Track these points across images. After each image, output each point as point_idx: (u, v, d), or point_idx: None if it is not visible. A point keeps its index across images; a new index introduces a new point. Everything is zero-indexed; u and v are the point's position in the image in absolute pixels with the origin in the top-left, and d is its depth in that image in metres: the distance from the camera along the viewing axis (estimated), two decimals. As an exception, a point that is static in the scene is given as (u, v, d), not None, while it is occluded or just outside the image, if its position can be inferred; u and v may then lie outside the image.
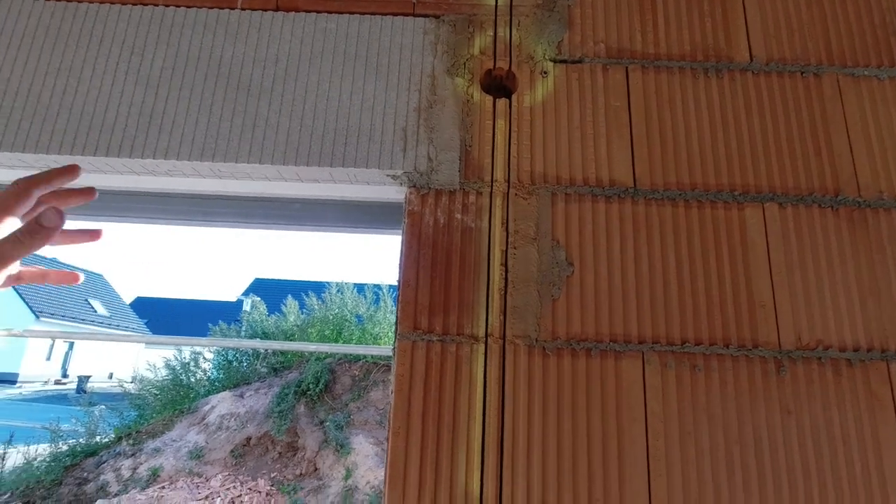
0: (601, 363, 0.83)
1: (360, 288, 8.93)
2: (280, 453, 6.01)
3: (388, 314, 8.36)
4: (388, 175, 0.94)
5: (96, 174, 1.00)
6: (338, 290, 8.46)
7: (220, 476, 5.60)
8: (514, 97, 0.96)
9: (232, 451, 5.98)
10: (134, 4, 1.01)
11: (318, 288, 8.81)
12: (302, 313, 8.69)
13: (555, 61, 0.99)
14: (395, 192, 0.99)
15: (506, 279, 0.86)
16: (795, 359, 0.83)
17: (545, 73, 0.98)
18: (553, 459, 0.79)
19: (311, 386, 6.55)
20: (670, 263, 0.87)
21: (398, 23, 1.00)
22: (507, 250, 0.88)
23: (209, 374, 7.89)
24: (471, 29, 1.00)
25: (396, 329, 0.86)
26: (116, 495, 5.49)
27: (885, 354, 0.84)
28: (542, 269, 0.87)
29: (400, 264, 0.88)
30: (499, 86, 1.00)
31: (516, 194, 0.91)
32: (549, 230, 0.89)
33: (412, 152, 0.93)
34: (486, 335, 0.84)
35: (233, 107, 0.95)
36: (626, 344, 0.84)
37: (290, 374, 6.89)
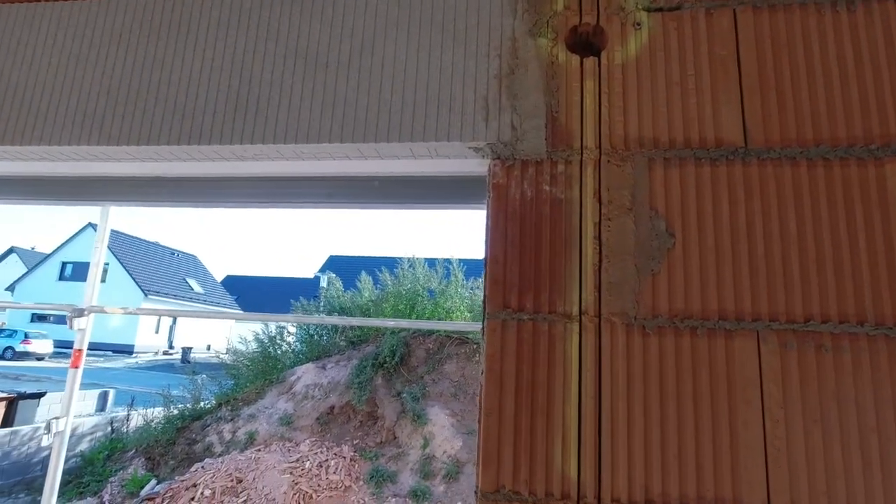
0: (709, 343, 0.76)
1: (430, 263, 9.04)
2: (361, 422, 6.32)
3: (458, 288, 8.43)
4: (470, 147, 0.90)
5: (190, 162, 1.04)
6: (409, 266, 8.61)
7: (308, 441, 5.99)
8: (603, 55, 0.88)
9: (318, 418, 6.37)
10: (214, -9, 1.03)
11: (391, 263, 9.03)
12: (376, 288, 8.96)
13: (649, 10, 0.89)
14: (477, 165, 0.95)
15: (600, 253, 0.80)
16: (950, 338, 0.71)
17: (638, 24, 0.88)
18: (656, 445, 0.74)
19: (387, 359, 6.78)
20: (790, 231, 0.77)
21: (474, -16, 0.95)
22: (600, 222, 0.81)
23: (293, 346, 8.40)
24: (553, -17, 0.93)
25: (484, 307, 0.83)
26: (220, 455, 6.05)
27: None
28: (640, 242, 0.80)
29: (486, 240, 0.85)
30: (586, 43, 0.92)
31: (609, 161, 0.84)
32: (647, 199, 0.81)
33: (495, 122, 0.88)
34: (581, 313, 0.79)
35: (312, 85, 0.95)
36: (738, 322, 0.76)
37: (367, 348, 7.18)
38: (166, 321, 26.47)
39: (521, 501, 0.75)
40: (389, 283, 8.72)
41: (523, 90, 0.88)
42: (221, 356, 9.83)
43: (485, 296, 0.83)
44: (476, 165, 0.95)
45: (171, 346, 26.76)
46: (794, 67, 0.83)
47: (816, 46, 0.83)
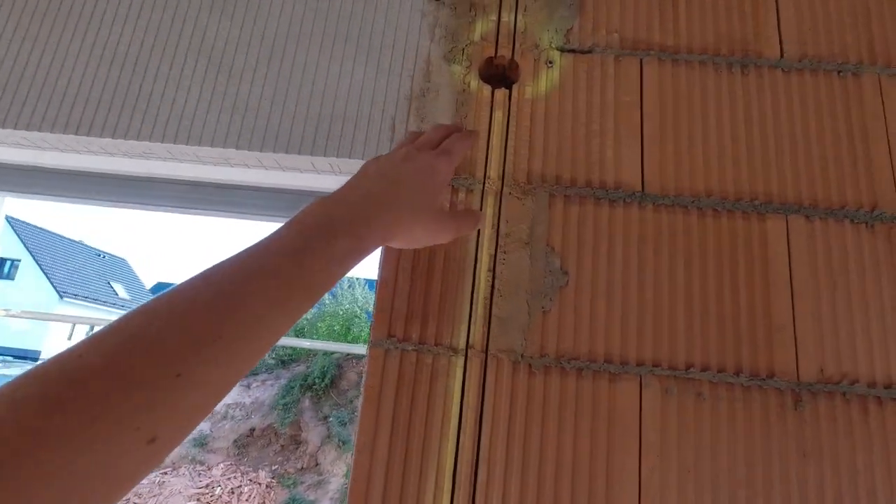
0: (593, 384, 0.74)
1: (371, 284, 8.90)
2: (282, 446, 6.01)
3: (399, 312, 8.31)
4: (373, 167, 0.87)
5: (70, 153, 0.95)
6: (349, 286, 8.44)
7: (221, 465, 5.61)
8: (514, 88, 0.88)
9: (235, 440, 6.00)
10: (117, -24, 0.96)
11: (331, 282, 8.81)
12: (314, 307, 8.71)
13: (562, 50, 0.90)
14: (381, 186, 0.92)
15: (492, 286, 0.78)
16: (816, 392, 0.73)
17: (550, 62, 0.89)
18: (533, 487, 0.71)
19: (317, 380, 6.54)
20: (678, 277, 0.78)
21: (395, 4, 0.93)
22: (496, 255, 0.80)
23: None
24: (472, 12, 0.92)
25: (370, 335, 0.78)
26: (121, 478, 5.52)
27: (920, 394, 0.73)
28: (534, 278, 0.78)
29: (379, 264, 0.81)
30: (500, 76, 0.92)
31: (510, 193, 0.82)
32: (545, 235, 0.80)
33: (400, 143, 0.85)
34: (468, 347, 0.76)
35: (212, 87, 0.89)
36: (623, 365, 0.75)
37: (297, 367, 6.90)
38: (82, 327, 24.51)
39: (385, 549, 0.69)
40: (327, 301, 8.50)
41: (432, 114, 0.86)
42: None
43: (372, 322, 0.79)
44: (381, 186, 0.92)
45: (85, 355, 24.64)
46: (691, 120, 0.86)
47: (712, 102, 0.87)
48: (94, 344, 0.30)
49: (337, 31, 0.91)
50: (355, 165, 0.87)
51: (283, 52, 0.90)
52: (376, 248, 0.49)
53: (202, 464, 5.62)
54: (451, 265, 0.79)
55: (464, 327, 0.77)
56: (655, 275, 0.78)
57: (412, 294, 0.78)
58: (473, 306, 0.77)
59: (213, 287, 0.36)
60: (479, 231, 0.80)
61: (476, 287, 0.78)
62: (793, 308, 0.77)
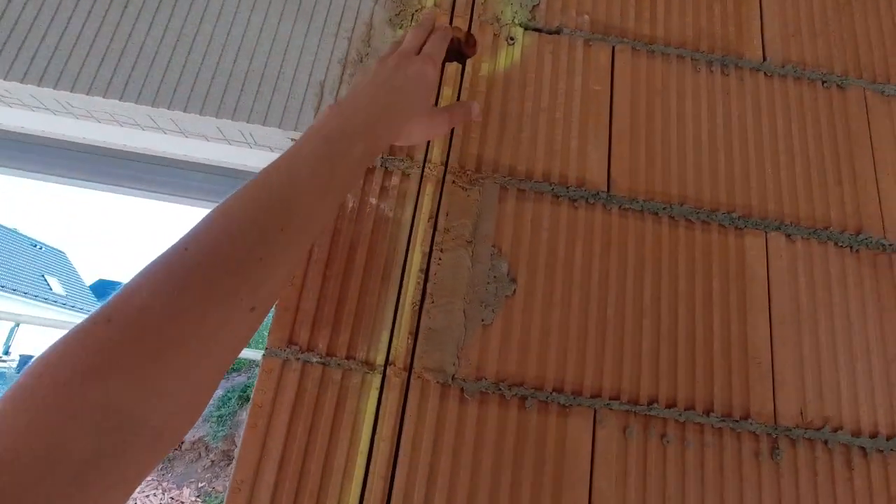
0: (538, 418, 0.60)
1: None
2: (213, 461, 5.58)
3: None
4: (292, 139, 0.72)
5: (-89, 93, 0.75)
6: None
7: (141, 481, 5.14)
8: (468, 63, 0.75)
9: (160, 454, 5.53)
10: None
11: (282, 290, 8.47)
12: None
13: (526, 28, 0.78)
14: (305, 165, 0.77)
15: (424, 291, 0.64)
16: (795, 439, 0.62)
17: (512, 39, 0.77)
18: (456, 549, 0.56)
19: (257, 393, 6.16)
20: (645, 295, 0.66)
21: (338, -44, 0.79)
22: (430, 253, 0.65)
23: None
24: (427, -25, 0.80)
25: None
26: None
27: (907, 445, 0.63)
28: (475, 284, 0.65)
29: (289, 256, 0.65)
30: (453, 49, 0.79)
31: (454, 182, 0.69)
32: (491, 233, 0.67)
33: (327, 112, 0.70)
34: (387, 363, 0.61)
35: (98, 25, 0.72)
36: (575, 396, 0.62)
37: (237, 378, 6.49)
38: (6, 321, 22.69)
39: None
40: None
41: (369, 82, 0.72)
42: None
43: (270, 326, 0.63)
44: (304, 165, 0.77)
45: (6, 352, 22.84)
46: (666, 118, 0.75)
47: (689, 101, 0.77)
48: (196, 239, 0.38)
49: (265, -21, 0.77)
50: (271, 136, 0.72)
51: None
52: (384, 147, 0.55)
53: (119, 479, 5.09)
54: (375, 262, 0.64)
55: (385, 339, 0.62)
56: (618, 290, 0.66)
57: (324, 293, 0.63)
58: (398, 313, 0.63)
59: (271, 192, 0.43)
60: (411, 223, 0.66)
61: (404, 290, 0.64)
62: (771, 338, 0.66)
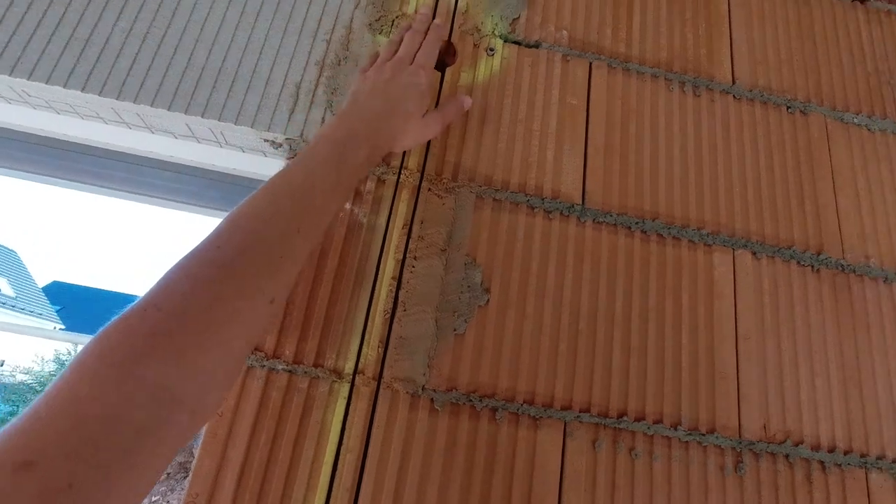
0: (509, 430, 0.60)
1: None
2: (168, 474, 5.35)
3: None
4: (265, 140, 0.70)
5: None
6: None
7: (89, 495, 4.88)
8: (447, 71, 0.75)
9: (111, 466, 5.27)
10: None
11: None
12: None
13: (506, 40, 0.79)
14: (277, 167, 0.75)
15: (396, 299, 0.62)
16: (759, 453, 0.63)
17: (492, 50, 0.78)
18: (421, 566, 0.54)
19: (218, 402, 5.95)
20: (616, 308, 0.67)
21: (319, -43, 0.78)
22: (403, 260, 0.64)
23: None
24: (409, -18, 0.80)
25: (230, 348, 0.59)
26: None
27: (864, 460, 0.65)
28: (448, 293, 0.64)
29: (257, 259, 0.63)
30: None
31: (430, 189, 0.68)
32: (465, 242, 0.66)
33: (301, 115, 0.69)
34: (356, 372, 0.59)
35: (62, 12, 0.69)
36: (546, 408, 0.61)
37: (197, 387, 6.27)
38: (-49, 324, 21.38)
39: None
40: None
41: (347, 86, 0.71)
42: (17, 375, 8.00)
43: (235, 332, 0.60)
44: (277, 168, 0.75)
45: (-51, 356, 21.48)
46: (640, 134, 0.77)
47: (662, 119, 0.78)
48: (228, 238, 0.44)
49: (243, -24, 0.75)
50: (242, 136, 0.70)
51: (169, -11, 0.72)
52: (383, 154, 0.61)
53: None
54: (346, 268, 0.63)
55: (354, 347, 0.60)
56: (590, 303, 0.66)
57: (292, 298, 0.61)
58: (369, 321, 0.61)
59: (290, 196, 0.49)
60: (385, 229, 0.65)
61: (375, 297, 0.62)
62: (737, 353, 0.67)
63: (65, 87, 0.65)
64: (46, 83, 0.65)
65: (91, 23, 0.69)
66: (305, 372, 0.58)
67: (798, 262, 0.73)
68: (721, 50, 0.85)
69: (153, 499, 5.06)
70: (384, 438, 0.57)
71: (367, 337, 0.60)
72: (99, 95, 0.65)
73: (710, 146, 0.78)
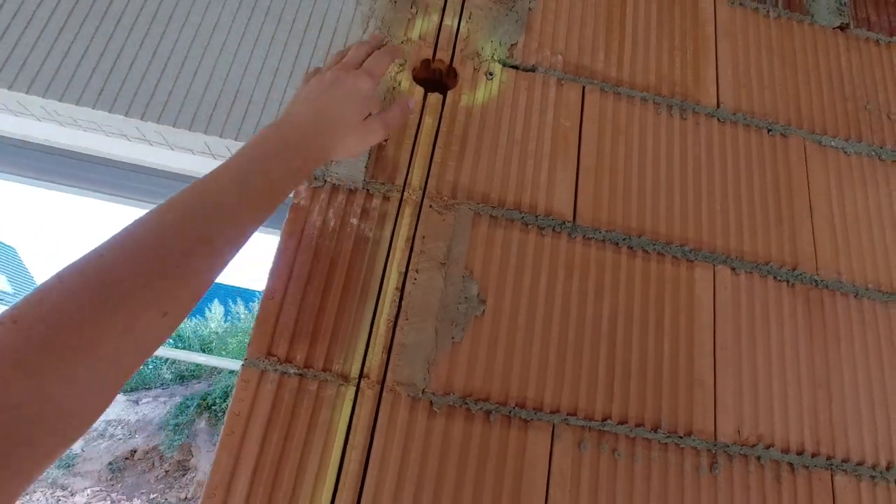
0: (501, 432, 0.65)
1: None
2: (167, 471, 5.39)
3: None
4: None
5: None
6: (268, 302, 7.97)
7: (88, 491, 4.91)
8: (449, 94, 0.81)
9: (110, 463, 5.30)
10: None
11: (248, 296, 8.29)
12: (225, 321, 8.12)
13: (504, 64, 0.84)
14: (288, 182, 0.80)
15: (399, 308, 0.68)
16: (732, 455, 0.68)
17: (491, 74, 0.83)
18: (419, 555, 0.59)
19: (217, 401, 6.01)
20: (603, 319, 0.72)
21: (329, -15, 0.84)
22: (406, 273, 0.69)
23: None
24: (413, 9, 0.85)
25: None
26: (-41, 500, 4.69)
27: (830, 462, 0.70)
28: (446, 303, 0.69)
29: (271, 270, 0.68)
30: (435, 80, 0.84)
31: (431, 206, 0.73)
32: (464, 256, 0.72)
33: (313, 134, 0.74)
34: (361, 376, 0.64)
35: (90, 36, 0.74)
36: (536, 411, 0.66)
37: (196, 385, 6.31)
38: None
39: None
40: (242, 316, 7.96)
41: (355, 108, 0.76)
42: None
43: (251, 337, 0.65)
44: (287, 182, 0.80)
45: (-53, 351, 21.46)
46: (628, 155, 0.82)
47: (650, 140, 0.83)
48: (112, 247, 0.40)
49: (256, 4, 0.80)
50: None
51: (186, 15, 0.78)
52: (321, 161, 0.59)
53: (64, 489, 4.85)
54: (353, 279, 0.68)
55: (360, 353, 0.65)
56: (579, 313, 0.71)
57: (303, 308, 0.66)
58: (374, 329, 0.66)
59: (198, 208, 0.45)
60: (389, 244, 0.70)
61: (379, 307, 0.67)
62: (714, 362, 0.72)
63: (93, 107, 0.70)
64: (76, 104, 0.70)
65: (124, 50, 0.74)
66: (315, 376, 0.63)
67: (775, 278, 0.79)
68: (707, 74, 0.91)
69: (152, 496, 5.10)
70: (386, 437, 0.63)
71: (371, 343, 0.66)
72: (124, 115, 0.71)
73: (694, 166, 0.83)
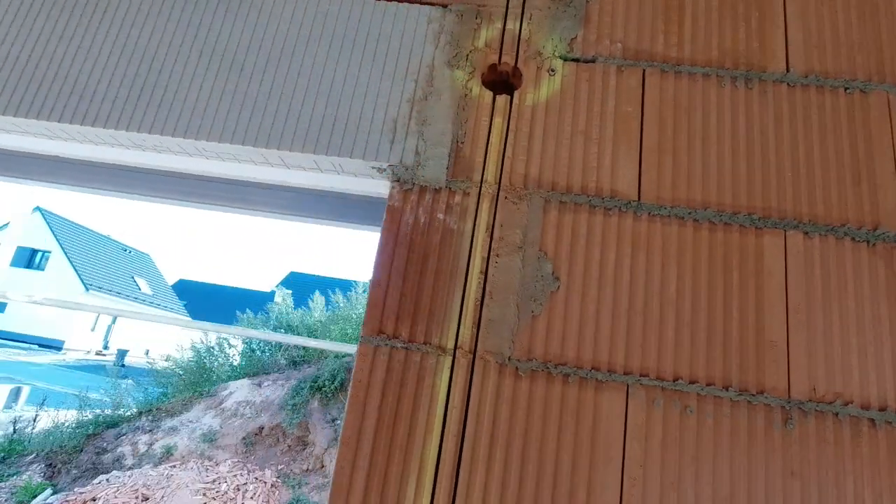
0: (579, 392, 0.74)
1: (386, 290, 8.92)
2: (289, 446, 6.04)
3: (411, 319, 8.31)
4: (373, 167, 0.89)
5: (87, 144, 0.99)
6: (363, 290, 8.49)
7: (229, 462, 5.66)
8: (515, 94, 0.89)
9: (244, 438, 6.05)
10: (140, -23, 1.00)
11: (346, 286, 8.89)
12: (327, 310, 8.77)
13: (565, 59, 0.91)
14: (382, 187, 0.94)
15: (484, 289, 0.79)
16: (807, 411, 0.72)
17: (553, 70, 0.90)
18: (514, 490, 0.71)
19: (326, 382, 6.57)
20: (670, 288, 0.78)
21: (402, 10, 0.95)
22: (488, 258, 0.80)
23: (231, 360, 8.05)
24: (478, 20, 0.94)
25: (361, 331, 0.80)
26: (131, 468, 5.63)
27: (917, 418, 0.71)
28: (525, 282, 0.79)
29: (374, 262, 0.82)
30: (503, 82, 0.93)
31: (506, 198, 0.83)
32: (538, 240, 0.81)
33: (400, 145, 0.87)
34: (456, 347, 0.77)
35: (223, 84, 0.92)
36: (610, 373, 0.75)
37: (307, 369, 6.94)
38: (105, 319, 25.08)
39: (362, 543, 0.70)
40: (342, 305, 8.56)
41: (433, 117, 0.88)
42: (159, 363, 9.33)
43: (364, 319, 0.80)
44: (381, 187, 0.94)
45: (105, 347, 25.25)
46: (691, 132, 0.86)
47: (714, 116, 0.86)
48: None
49: (345, 36, 0.94)
50: (356, 165, 0.89)
51: (291, 55, 0.93)
52: None
53: (210, 459, 5.68)
54: (443, 266, 0.80)
55: (453, 327, 0.77)
56: (647, 284, 0.78)
57: (404, 293, 0.79)
58: (464, 307, 0.78)
59: None
60: (472, 233, 0.81)
61: (467, 289, 0.79)
62: (787, 324, 0.76)
63: (231, 142, 0.88)
64: (218, 141, 0.88)
65: (247, 89, 0.91)
66: (418, 348, 0.77)
67: (853, 239, 0.79)
68: (774, 40, 0.91)
69: (279, 467, 5.75)
70: (480, 398, 0.74)
71: (462, 320, 0.77)
72: (253, 146, 0.88)
73: (761, 136, 0.85)
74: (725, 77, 0.88)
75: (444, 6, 0.95)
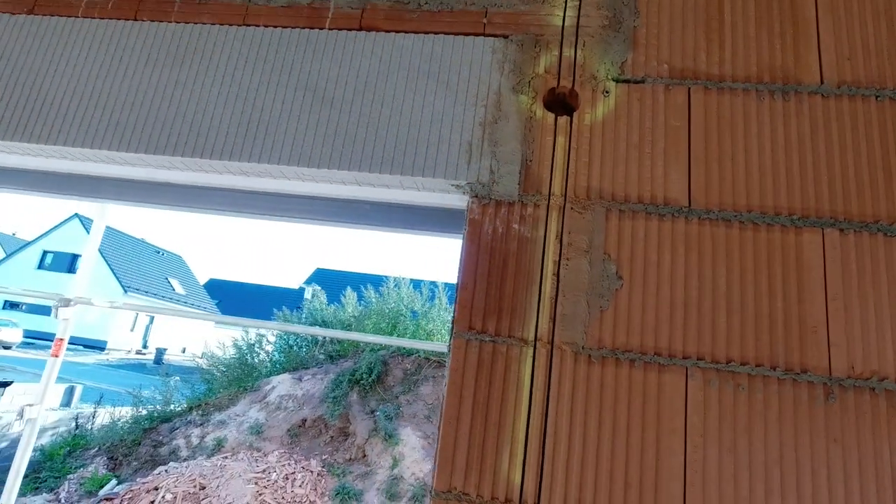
0: (644, 374, 0.87)
1: (416, 284, 9.11)
2: (332, 437, 6.30)
3: (441, 311, 8.50)
4: (452, 185, 1.02)
5: (200, 173, 1.15)
6: (395, 285, 8.69)
7: (276, 452, 5.95)
8: (575, 115, 1.01)
9: (288, 430, 6.34)
10: (238, 25, 1.15)
11: (377, 281, 9.09)
12: (360, 305, 9.00)
13: (617, 81, 1.02)
14: (457, 200, 1.07)
15: (556, 288, 0.92)
16: (847, 387, 0.83)
17: (607, 92, 1.02)
18: (592, 462, 0.84)
19: (364, 375, 6.80)
20: (720, 283, 0.89)
21: (468, 42, 1.08)
22: (559, 261, 0.93)
23: (271, 355, 8.37)
24: (537, 48, 1.06)
25: (453, 327, 0.93)
26: (186, 460, 5.97)
27: (947, 390, 0.82)
28: (592, 281, 0.91)
29: (459, 268, 0.96)
30: (561, 103, 1.05)
31: (572, 208, 0.96)
32: (602, 244, 0.93)
33: (476, 164, 1.00)
34: (536, 339, 0.90)
35: (317, 117, 1.06)
36: (671, 358, 0.87)
37: (345, 363, 7.19)
38: (143, 319, 26.06)
39: (469, 502, 0.84)
40: (374, 300, 8.78)
41: (503, 139, 1.01)
42: (197, 360, 9.73)
43: (454, 317, 0.94)
44: (456, 200, 1.07)
45: (144, 346, 26.28)
46: (734, 142, 0.96)
47: (754, 127, 0.97)
48: None
49: (419, 68, 1.07)
50: (437, 184, 1.02)
51: (374, 86, 1.07)
52: None
53: (259, 450, 5.99)
54: (521, 270, 0.93)
55: (532, 322, 0.91)
56: (700, 280, 0.90)
57: (488, 293, 0.93)
58: (540, 305, 0.91)
59: None
60: (543, 241, 0.94)
61: (543, 288, 0.92)
62: (826, 311, 0.86)
63: (328, 168, 1.02)
64: (317, 167, 1.03)
65: (338, 120, 1.05)
66: (503, 341, 0.90)
67: (885, 234, 0.89)
68: (809, 53, 1.00)
69: (323, 457, 6.01)
70: (559, 382, 0.88)
71: (540, 315, 0.91)
72: (348, 170, 1.02)
73: (799, 144, 0.95)
74: (764, 91, 0.99)
75: (505, 37, 1.08)
